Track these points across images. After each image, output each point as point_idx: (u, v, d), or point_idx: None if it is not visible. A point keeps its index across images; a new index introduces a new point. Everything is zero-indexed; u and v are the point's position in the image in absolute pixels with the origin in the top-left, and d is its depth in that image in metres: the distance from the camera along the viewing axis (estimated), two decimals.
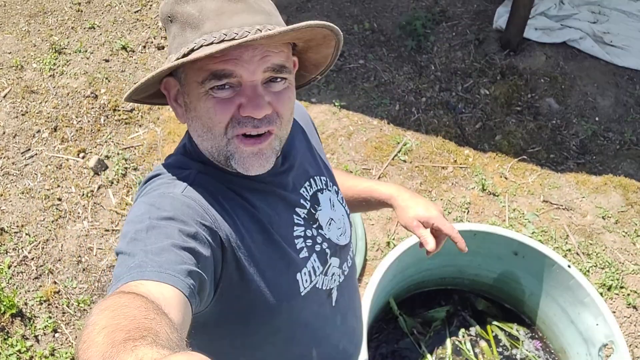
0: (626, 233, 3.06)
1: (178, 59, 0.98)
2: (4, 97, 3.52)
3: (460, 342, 2.50)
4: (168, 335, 0.67)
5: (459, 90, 3.68)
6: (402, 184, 3.17)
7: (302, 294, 1.16)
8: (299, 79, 1.19)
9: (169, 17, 1.02)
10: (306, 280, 1.17)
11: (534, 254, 2.29)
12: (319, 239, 1.21)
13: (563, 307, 2.33)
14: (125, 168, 3.23)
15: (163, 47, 3.86)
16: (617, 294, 2.84)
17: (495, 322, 2.56)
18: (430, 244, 1.33)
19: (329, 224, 1.24)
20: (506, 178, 3.28)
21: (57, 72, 3.65)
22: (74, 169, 3.21)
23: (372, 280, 2.10)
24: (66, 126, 3.39)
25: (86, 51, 3.78)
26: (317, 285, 1.20)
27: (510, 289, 2.53)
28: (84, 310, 2.73)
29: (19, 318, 2.65)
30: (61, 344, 2.62)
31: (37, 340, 2.61)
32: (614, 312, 2.77)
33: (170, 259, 0.87)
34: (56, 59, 3.72)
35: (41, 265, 2.83)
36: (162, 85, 1.08)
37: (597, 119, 3.59)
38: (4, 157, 3.24)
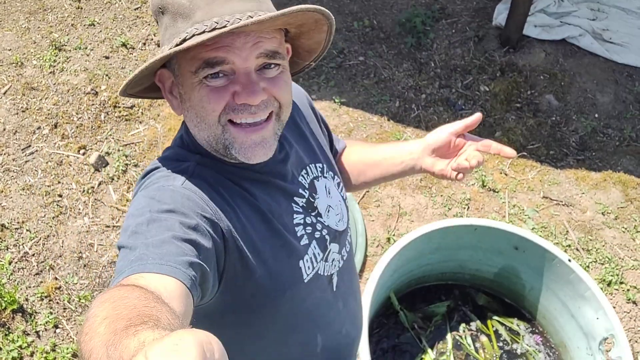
0: (626, 229, 3.07)
1: (171, 49, 0.98)
2: (4, 93, 3.51)
3: (460, 336, 2.51)
4: (169, 320, 0.67)
5: (459, 87, 3.68)
6: (402, 180, 3.18)
7: (305, 280, 1.17)
8: (292, 66, 1.18)
9: (160, 8, 1.02)
10: (309, 267, 1.17)
11: (534, 248, 2.29)
12: (318, 226, 1.21)
13: (563, 301, 2.34)
14: (126, 164, 3.23)
15: None
16: (616, 290, 2.85)
17: (495, 317, 2.56)
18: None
19: (328, 211, 1.25)
20: (506, 174, 3.28)
21: (57, 69, 3.65)
22: (75, 166, 3.21)
23: (372, 276, 2.10)
24: (66, 123, 3.39)
25: (86, 48, 3.78)
26: (319, 272, 1.21)
27: (510, 283, 2.54)
28: (85, 306, 2.73)
29: (20, 314, 2.65)
30: (62, 340, 2.62)
31: (38, 336, 2.62)
32: (614, 307, 2.78)
33: (171, 250, 0.88)
34: (56, 55, 3.72)
35: (42, 261, 2.84)
36: (156, 78, 1.08)
37: (596, 115, 3.60)
38: (5, 154, 3.24)
